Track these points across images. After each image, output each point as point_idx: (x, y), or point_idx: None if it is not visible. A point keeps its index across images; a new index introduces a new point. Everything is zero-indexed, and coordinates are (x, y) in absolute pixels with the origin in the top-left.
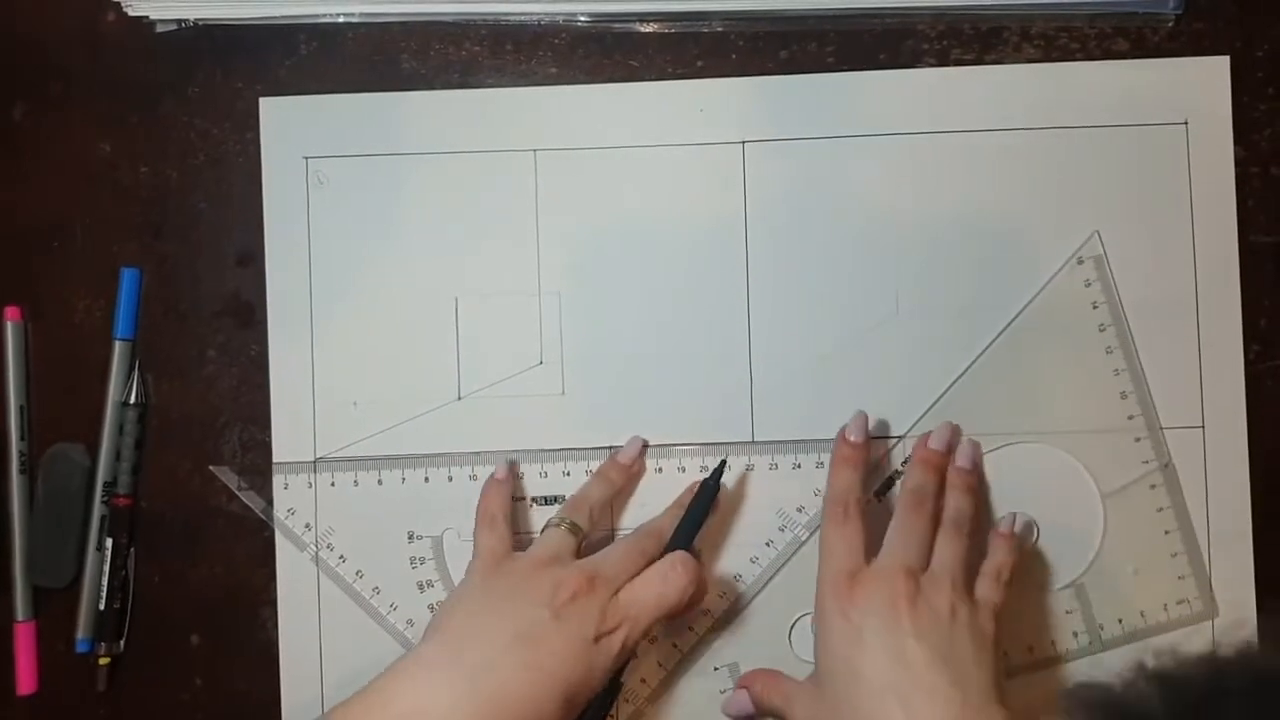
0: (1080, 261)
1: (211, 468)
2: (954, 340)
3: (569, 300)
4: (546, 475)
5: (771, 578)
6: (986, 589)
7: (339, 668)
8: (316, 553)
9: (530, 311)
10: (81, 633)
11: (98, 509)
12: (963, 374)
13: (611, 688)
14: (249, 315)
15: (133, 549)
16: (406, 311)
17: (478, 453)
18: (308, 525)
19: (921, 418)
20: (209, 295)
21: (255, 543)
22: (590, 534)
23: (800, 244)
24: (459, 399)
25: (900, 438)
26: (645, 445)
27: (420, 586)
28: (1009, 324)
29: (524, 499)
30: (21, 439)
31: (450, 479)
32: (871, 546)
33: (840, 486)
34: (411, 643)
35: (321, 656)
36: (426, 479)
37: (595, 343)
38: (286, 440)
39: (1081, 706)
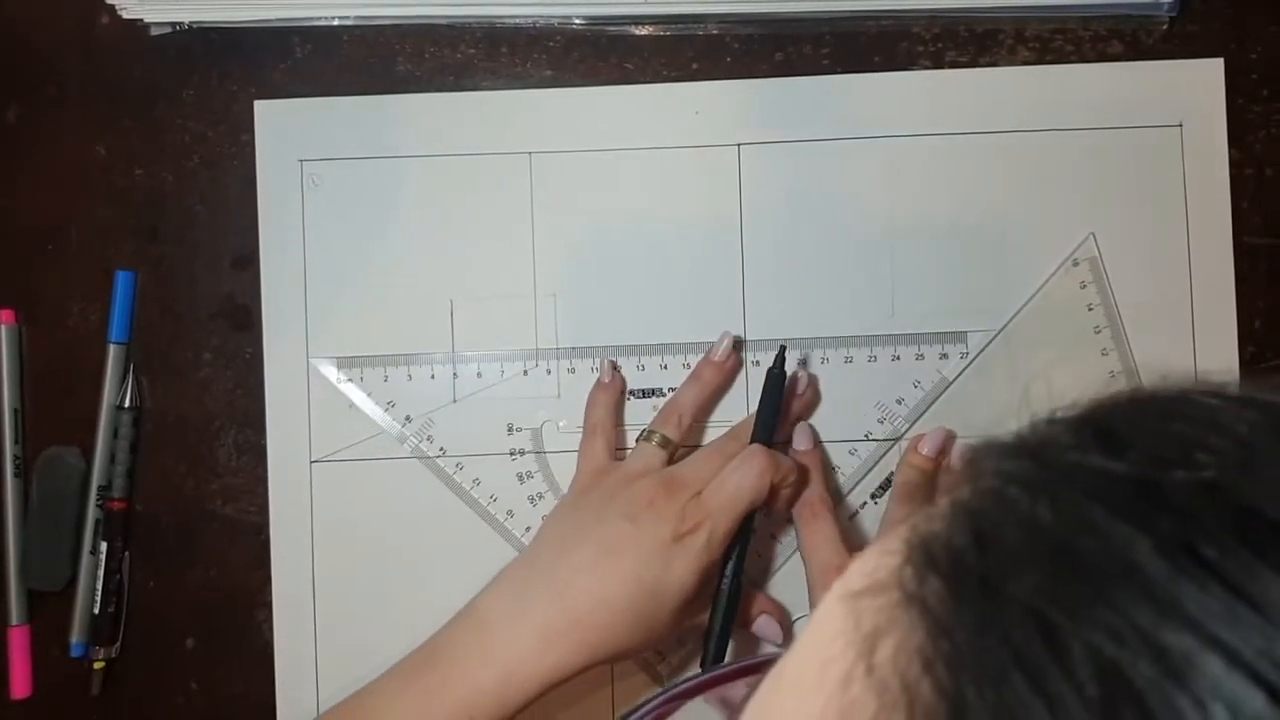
0: (1075, 263)
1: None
2: (950, 342)
3: (565, 302)
4: (644, 369)
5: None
6: None
7: (335, 670)
8: (417, 444)
9: (526, 314)
10: (76, 636)
11: (92, 512)
12: (958, 375)
13: (724, 595)
14: (244, 318)
15: (127, 552)
16: (402, 314)
17: (574, 348)
18: (408, 418)
19: (918, 420)
20: (204, 298)
21: (250, 545)
22: (684, 440)
23: (796, 246)
24: (454, 401)
25: (896, 440)
26: (737, 339)
27: (520, 478)
28: (1004, 326)
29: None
30: (16, 442)
31: (549, 372)
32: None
33: (804, 491)
34: (510, 533)
35: (317, 659)
36: (525, 372)
37: (591, 345)
38: (281, 443)
39: (980, 451)
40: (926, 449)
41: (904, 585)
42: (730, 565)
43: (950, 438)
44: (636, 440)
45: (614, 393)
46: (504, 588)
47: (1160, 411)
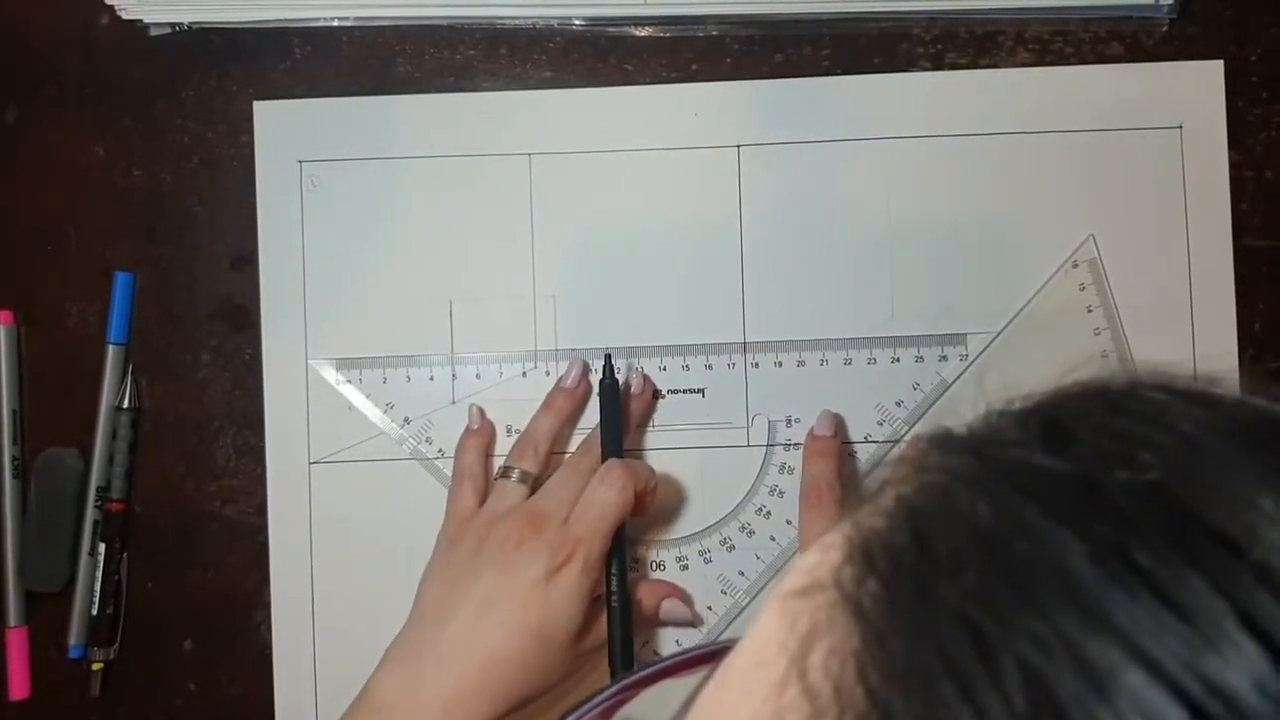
0: (1075, 265)
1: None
2: (949, 344)
3: (564, 304)
4: (641, 371)
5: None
6: None
7: (334, 672)
8: (416, 446)
9: (525, 315)
10: (74, 638)
11: (91, 513)
12: (958, 377)
13: (617, 611)
14: (243, 319)
15: (126, 554)
16: (401, 315)
17: (573, 349)
18: (407, 419)
19: (918, 422)
20: (203, 299)
21: (249, 547)
22: (544, 472)
23: (795, 247)
24: (453, 403)
25: (895, 442)
26: (586, 365)
27: None
28: (1004, 328)
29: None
30: (14, 443)
31: (548, 374)
32: None
33: (814, 475)
34: None
35: (316, 661)
36: (524, 374)
37: (591, 346)
38: (280, 444)
39: (930, 442)
40: (824, 429)
41: (842, 585)
42: (614, 581)
43: (839, 420)
44: (494, 478)
45: (484, 438)
46: (394, 668)
47: (1108, 406)
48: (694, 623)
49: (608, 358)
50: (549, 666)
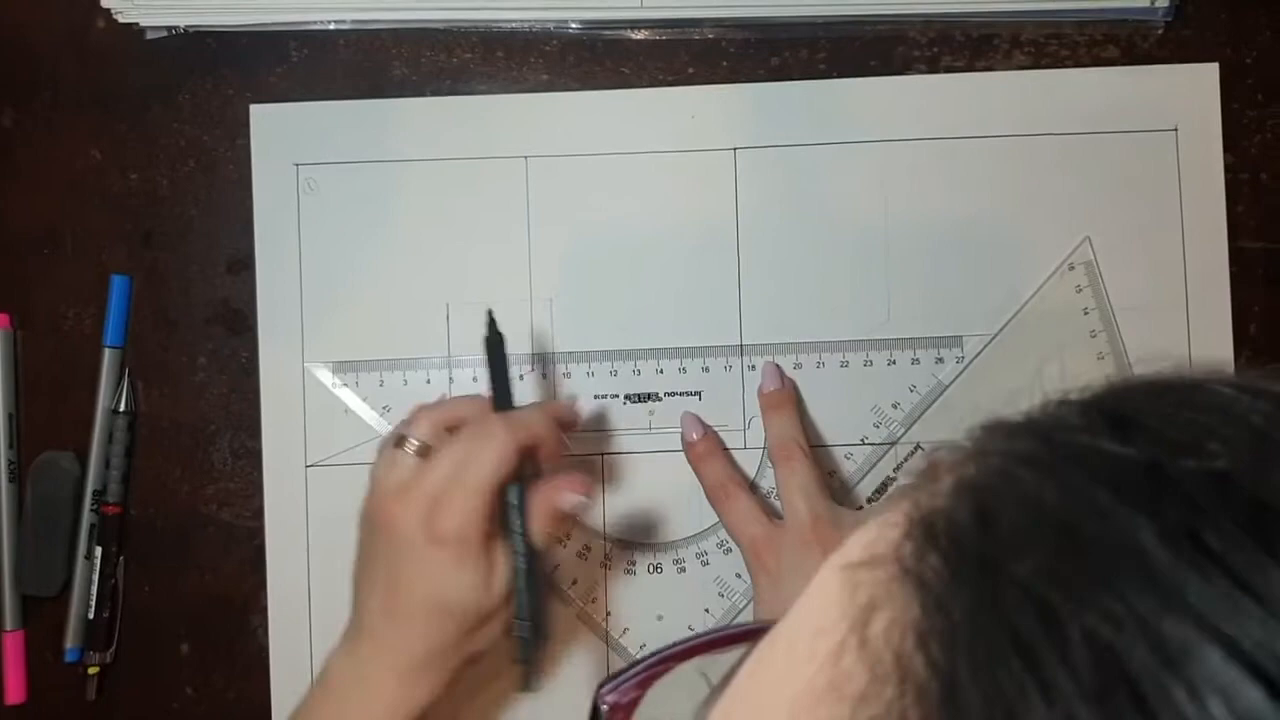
0: (1071, 267)
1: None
2: (945, 346)
3: (561, 307)
4: (639, 374)
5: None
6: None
7: None
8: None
9: (522, 318)
10: (70, 642)
11: (87, 517)
12: (954, 379)
13: (522, 570)
14: (239, 322)
15: (122, 557)
16: (398, 318)
17: (570, 352)
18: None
19: (914, 424)
20: (199, 302)
21: (245, 550)
22: (440, 443)
23: (792, 250)
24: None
25: (893, 444)
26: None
27: None
28: (1000, 330)
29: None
30: (10, 447)
31: (545, 376)
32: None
33: (779, 430)
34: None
35: (312, 664)
36: (521, 377)
37: (587, 350)
38: (277, 447)
39: (988, 430)
40: (771, 382)
41: (902, 560)
42: (516, 539)
43: (777, 366)
44: (389, 448)
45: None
46: (341, 649)
47: (1174, 399)
48: (590, 497)
49: (489, 313)
50: (467, 622)
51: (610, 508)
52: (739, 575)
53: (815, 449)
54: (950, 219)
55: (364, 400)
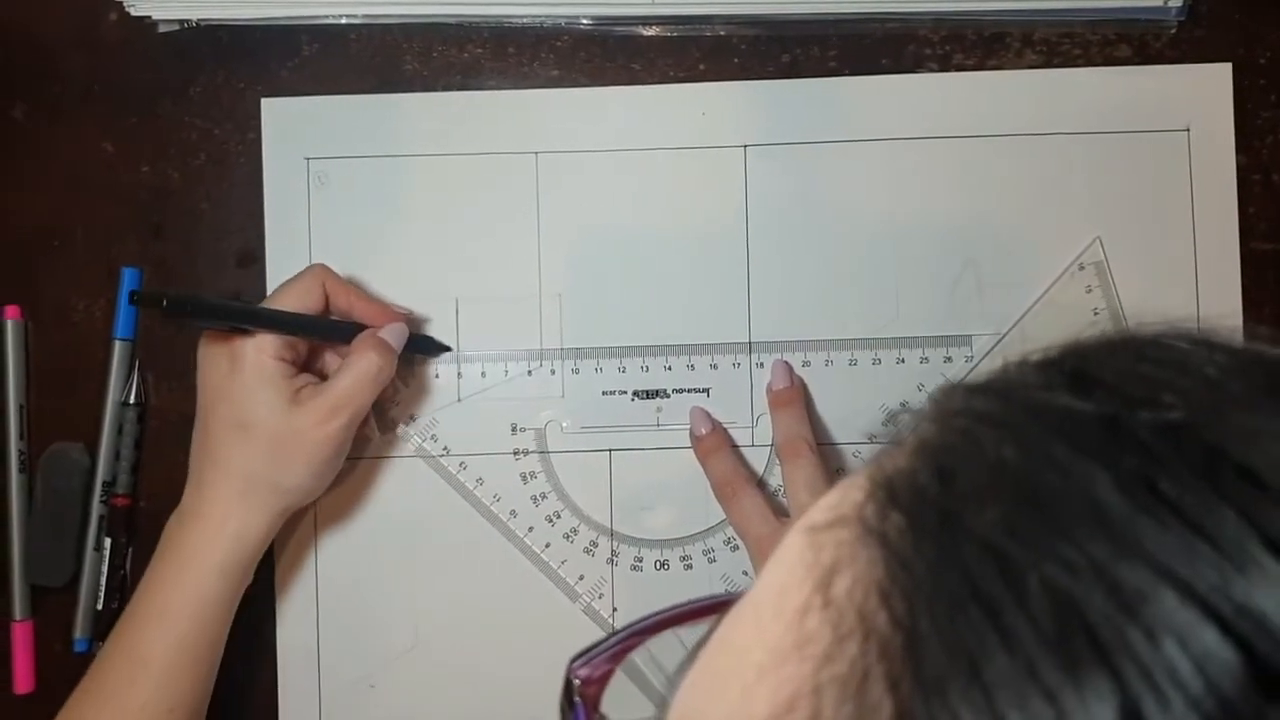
0: (1081, 268)
1: None
2: (954, 345)
3: (570, 303)
4: (647, 369)
5: None
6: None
7: (337, 668)
8: (421, 444)
9: (531, 314)
10: (79, 632)
11: (96, 508)
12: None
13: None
14: None
15: (131, 549)
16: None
17: (579, 349)
18: (412, 417)
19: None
20: (209, 295)
21: None
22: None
23: (801, 248)
24: (458, 401)
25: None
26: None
27: (524, 479)
28: (1009, 329)
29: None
30: (21, 438)
31: (553, 372)
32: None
33: (787, 428)
34: (513, 533)
35: (319, 657)
36: (529, 372)
37: (596, 346)
38: None
39: (947, 391)
40: (780, 380)
41: (865, 520)
42: None
43: (788, 364)
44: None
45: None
46: (189, 484)
47: (1131, 354)
48: (414, 326)
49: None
50: (279, 447)
51: (617, 504)
52: (746, 573)
53: (823, 446)
54: (959, 217)
55: None
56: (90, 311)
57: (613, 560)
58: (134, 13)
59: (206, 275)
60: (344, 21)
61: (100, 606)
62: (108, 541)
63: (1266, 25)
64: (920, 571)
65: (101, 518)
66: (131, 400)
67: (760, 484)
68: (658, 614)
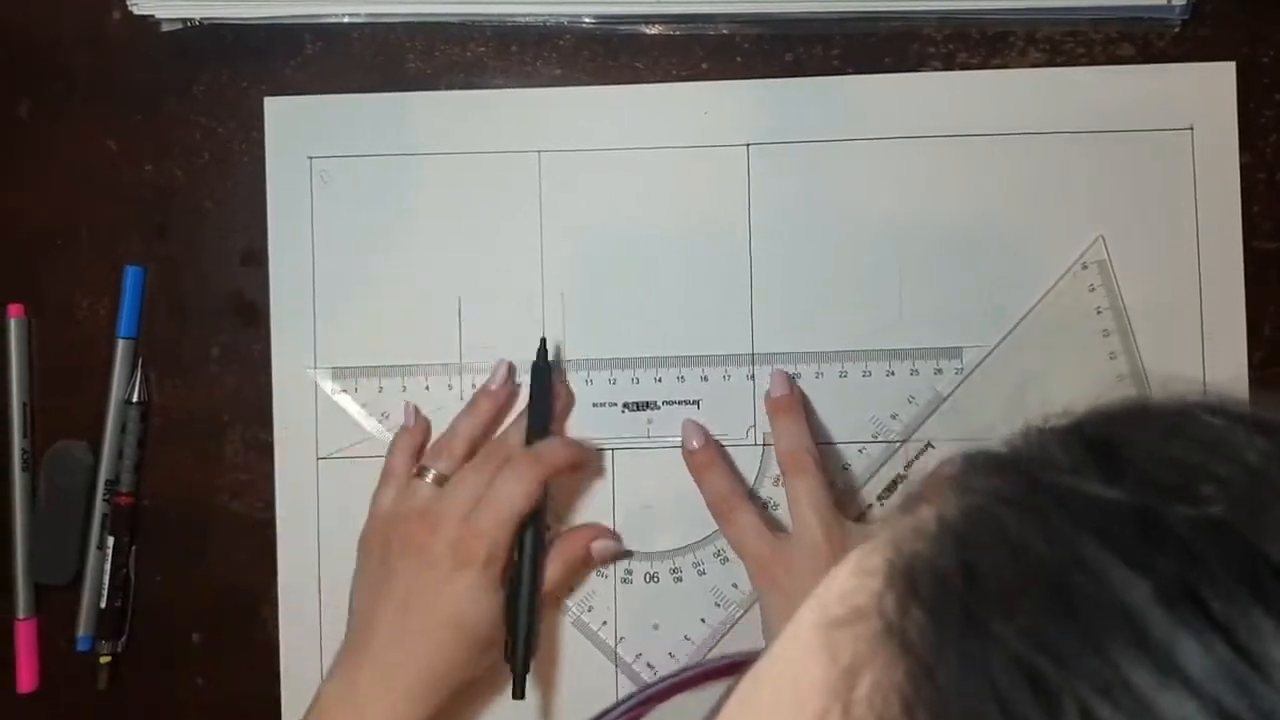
0: (1084, 266)
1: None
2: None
3: (572, 301)
4: (637, 382)
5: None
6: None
7: None
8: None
9: (534, 312)
10: (82, 631)
11: (100, 507)
12: (966, 378)
13: (524, 600)
14: (252, 314)
15: (134, 547)
16: (410, 311)
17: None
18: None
19: (924, 421)
20: (213, 294)
21: (257, 541)
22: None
23: (804, 247)
24: (461, 399)
25: (903, 442)
26: (512, 367)
27: None
28: (1013, 328)
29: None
30: (24, 436)
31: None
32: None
33: (789, 439)
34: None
35: (322, 656)
36: (520, 384)
37: (598, 344)
38: (289, 439)
39: (970, 462)
40: (780, 388)
41: (885, 614)
42: (524, 573)
43: (786, 373)
44: (410, 477)
45: (417, 437)
46: (337, 676)
47: (1161, 429)
48: (626, 553)
49: (542, 340)
50: (473, 657)
51: (608, 517)
52: (735, 585)
53: (821, 446)
54: (964, 216)
55: (380, 392)
56: (94, 310)
57: (602, 573)
58: (137, 11)
59: (211, 274)
60: (347, 20)
61: (103, 605)
62: (111, 540)
63: (1270, 24)
64: (944, 680)
65: (105, 516)
66: (135, 399)
67: (751, 496)
68: (665, 679)
